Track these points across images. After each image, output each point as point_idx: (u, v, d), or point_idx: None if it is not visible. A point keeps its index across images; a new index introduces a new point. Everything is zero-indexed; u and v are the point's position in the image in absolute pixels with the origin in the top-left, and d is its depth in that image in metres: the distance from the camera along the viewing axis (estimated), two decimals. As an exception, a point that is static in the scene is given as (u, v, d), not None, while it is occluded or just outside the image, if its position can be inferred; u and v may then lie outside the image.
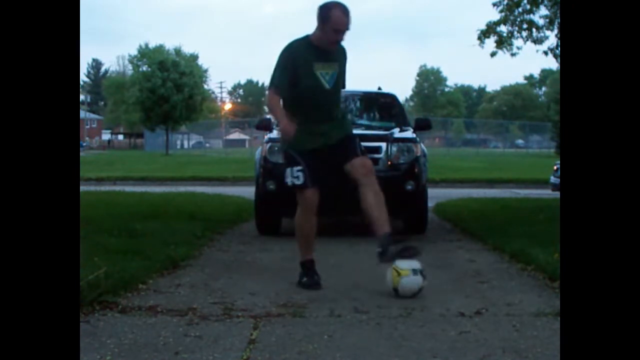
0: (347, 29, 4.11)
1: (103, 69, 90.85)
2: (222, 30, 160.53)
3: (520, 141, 58.79)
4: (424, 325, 3.14)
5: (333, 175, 4.28)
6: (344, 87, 4.45)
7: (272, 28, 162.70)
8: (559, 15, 8.68)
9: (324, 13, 4.06)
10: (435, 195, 9.59)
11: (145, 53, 44.73)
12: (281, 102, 4.22)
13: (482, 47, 9.50)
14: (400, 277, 3.77)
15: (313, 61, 4.15)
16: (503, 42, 9.41)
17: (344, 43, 4.27)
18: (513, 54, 9.52)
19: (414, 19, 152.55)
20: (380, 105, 7.95)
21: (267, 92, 4.43)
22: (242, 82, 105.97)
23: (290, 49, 4.19)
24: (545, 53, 9.59)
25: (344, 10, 4.07)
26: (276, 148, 6.40)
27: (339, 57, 4.29)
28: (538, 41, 9.45)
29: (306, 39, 4.19)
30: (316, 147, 4.20)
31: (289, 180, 4.17)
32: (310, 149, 4.19)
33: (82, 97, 72.98)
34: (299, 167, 4.12)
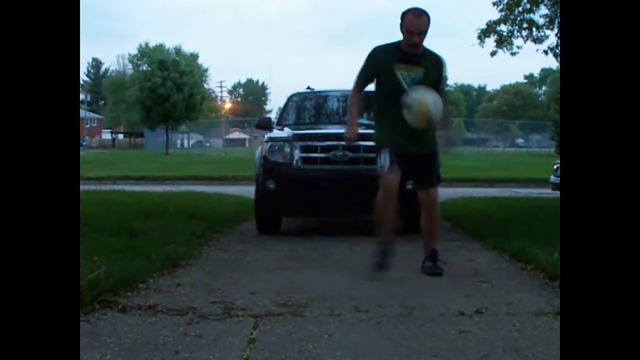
0: (421, 31, 4.32)
1: (103, 68, 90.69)
2: (223, 29, 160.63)
3: (520, 140, 58.73)
4: (424, 325, 3.14)
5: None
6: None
7: (273, 27, 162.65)
8: (559, 14, 8.68)
9: (401, 17, 4.36)
10: (435, 194, 9.57)
11: (145, 52, 44.69)
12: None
13: (482, 46, 9.52)
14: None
15: (394, 62, 4.39)
16: (503, 42, 9.41)
17: (440, 51, 4.51)
18: (513, 53, 9.52)
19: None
20: None
21: None
22: (242, 81, 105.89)
23: (373, 51, 4.51)
24: (545, 52, 9.59)
25: (417, 13, 4.32)
26: (276, 147, 6.40)
27: (425, 63, 4.42)
28: (538, 40, 9.45)
29: (395, 43, 4.45)
30: (393, 149, 4.42)
31: (379, 168, 4.46)
32: (389, 146, 4.44)
33: (82, 96, 72.91)
34: (385, 151, 4.40)
